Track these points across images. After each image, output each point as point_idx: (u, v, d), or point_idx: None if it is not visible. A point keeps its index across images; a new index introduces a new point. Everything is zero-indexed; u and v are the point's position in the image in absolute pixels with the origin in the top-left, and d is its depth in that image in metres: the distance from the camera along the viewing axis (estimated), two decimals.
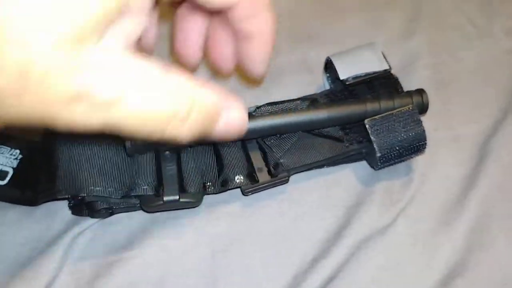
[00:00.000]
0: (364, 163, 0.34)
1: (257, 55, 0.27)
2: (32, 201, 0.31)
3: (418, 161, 0.34)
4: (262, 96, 0.37)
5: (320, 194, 0.33)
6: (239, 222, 0.32)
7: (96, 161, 0.30)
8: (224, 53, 0.28)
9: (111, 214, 0.31)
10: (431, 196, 0.33)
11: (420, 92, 0.33)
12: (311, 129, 0.33)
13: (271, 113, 0.31)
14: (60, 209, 0.32)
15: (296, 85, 0.38)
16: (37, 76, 0.17)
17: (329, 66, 0.35)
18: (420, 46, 0.41)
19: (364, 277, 0.30)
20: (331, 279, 0.30)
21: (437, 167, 0.34)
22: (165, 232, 0.31)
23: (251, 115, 0.31)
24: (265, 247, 0.31)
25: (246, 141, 0.32)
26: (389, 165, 0.32)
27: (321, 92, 0.35)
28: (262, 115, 0.31)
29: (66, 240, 0.30)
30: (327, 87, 0.36)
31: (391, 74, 0.34)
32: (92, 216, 0.31)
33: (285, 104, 0.33)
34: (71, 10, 0.16)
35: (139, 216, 0.32)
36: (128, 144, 0.30)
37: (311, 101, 0.33)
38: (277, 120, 0.31)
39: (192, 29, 0.28)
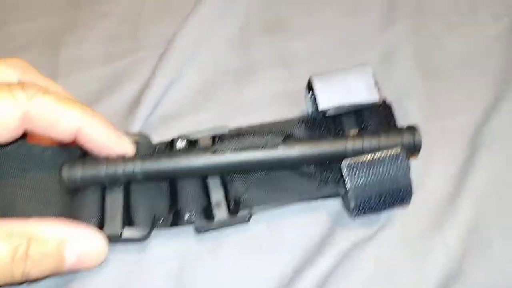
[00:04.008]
0: None
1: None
2: None
3: None
4: (236, 97, 0.35)
5: None
6: (210, 233, 0.29)
7: (33, 194, 0.28)
8: None
9: None
10: (421, 195, 0.30)
11: (412, 130, 0.28)
12: (280, 168, 0.29)
13: (236, 149, 0.27)
14: None
15: (272, 82, 0.35)
16: None
17: (311, 87, 0.31)
18: (401, 35, 0.38)
19: (353, 287, 0.27)
20: None
21: (427, 163, 0.31)
22: (129, 247, 0.28)
23: (213, 150, 0.27)
24: (240, 259, 0.28)
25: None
26: (367, 214, 0.29)
27: (300, 119, 0.32)
28: (224, 151, 0.27)
29: None
30: (309, 108, 0.32)
31: (385, 102, 0.30)
32: None
33: (254, 139, 0.28)
34: None
35: None
36: (65, 176, 0.26)
37: (284, 137, 0.29)
38: (241, 157, 0.27)
39: None
